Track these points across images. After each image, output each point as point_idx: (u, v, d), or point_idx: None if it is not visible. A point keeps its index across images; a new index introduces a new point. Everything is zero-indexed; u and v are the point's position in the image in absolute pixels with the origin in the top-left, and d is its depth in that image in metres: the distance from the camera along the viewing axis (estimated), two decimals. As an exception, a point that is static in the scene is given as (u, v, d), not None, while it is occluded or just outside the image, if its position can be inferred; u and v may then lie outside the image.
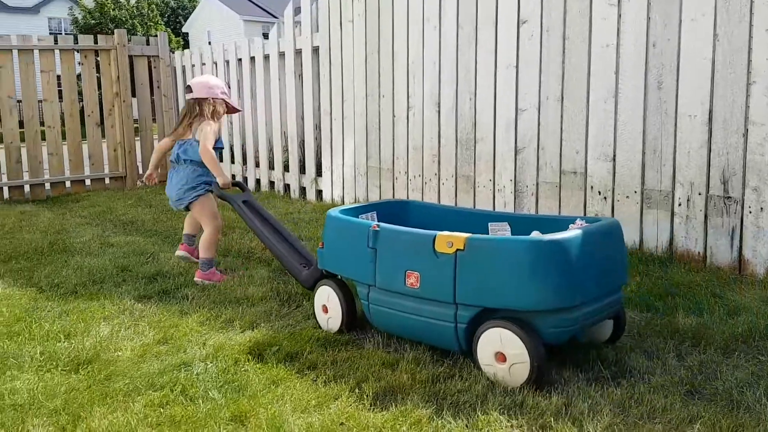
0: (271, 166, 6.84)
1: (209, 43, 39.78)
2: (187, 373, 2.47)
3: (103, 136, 7.86)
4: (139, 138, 8.13)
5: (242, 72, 7.06)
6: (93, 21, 29.41)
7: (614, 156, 3.90)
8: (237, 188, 3.90)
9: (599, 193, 3.98)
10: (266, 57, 6.65)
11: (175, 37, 34.65)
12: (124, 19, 29.30)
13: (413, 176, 5.18)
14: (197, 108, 3.77)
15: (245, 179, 7.22)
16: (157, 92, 8.17)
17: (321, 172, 6.18)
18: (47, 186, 7.46)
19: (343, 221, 2.82)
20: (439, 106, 4.88)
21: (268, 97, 6.71)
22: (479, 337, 2.32)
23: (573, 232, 2.31)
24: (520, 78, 4.32)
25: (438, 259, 2.38)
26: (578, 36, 4.00)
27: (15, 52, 7.23)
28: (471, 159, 4.69)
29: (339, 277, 2.90)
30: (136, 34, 13.16)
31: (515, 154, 4.39)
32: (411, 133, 5.15)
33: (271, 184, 6.87)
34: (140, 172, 8.03)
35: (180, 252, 4.09)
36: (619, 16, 3.80)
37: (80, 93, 8.55)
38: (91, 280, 3.74)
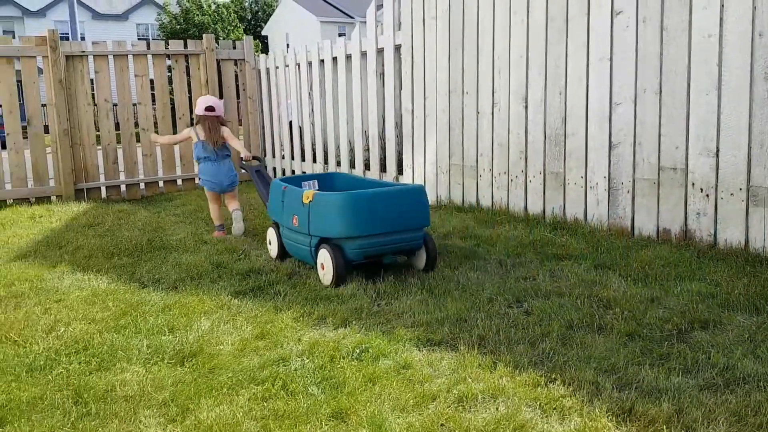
0: (352, 165, 6.90)
1: (287, 45, 40.72)
2: (285, 369, 2.52)
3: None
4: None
5: (324, 72, 7.16)
6: (178, 26, 30.68)
7: (717, 151, 3.69)
8: (255, 160, 5.38)
9: (701, 190, 3.78)
10: (348, 57, 6.72)
11: (254, 40, 35.60)
12: (207, 24, 30.39)
13: (498, 173, 5.09)
14: (219, 121, 5.18)
15: (327, 178, 7.32)
16: (242, 94, 8.41)
17: (402, 170, 6.18)
18: (142, 186, 7.83)
19: (275, 184, 4.08)
20: (526, 101, 4.78)
21: (349, 96, 6.77)
22: (317, 253, 3.61)
23: (365, 191, 3.62)
24: (615, 70, 4.17)
25: (303, 207, 3.67)
26: (677, 26, 3.81)
27: (111, 58, 7.62)
28: (560, 155, 4.56)
29: (275, 223, 4.13)
30: (218, 39, 13.57)
31: (609, 150, 4.24)
32: (496, 130, 5.07)
33: (353, 182, 6.94)
34: (226, 171, 8.30)
35: (220, 235, 5.07)
36: (722, 5, 3.59)
37: (171, 96, 8.91)
38: (189, 276, 3.88)
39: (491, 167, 5.15)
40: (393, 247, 3.64)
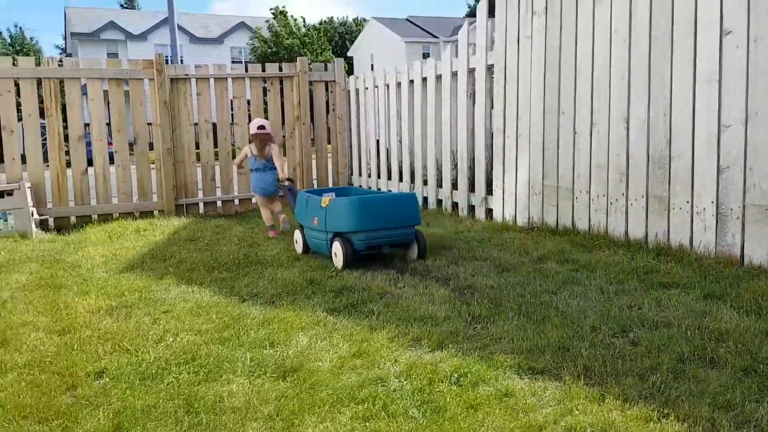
0: (439, 185, 6.90)
1: (372, 66, 41.46)
2: (384, 389, 2.52)
3: (285, 155, 8.43)
4: (315, 158, 8.64)
5: (413, 93, 7.22)
6: (269, 50, 31.90)
7: (843, 176, 3.43)
8: (288, 181, 6.05)
9: (824, 217, 3.52)
10: (438, 77, 6.75)
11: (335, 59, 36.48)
12: (296, 46, 31.43)
13: (596, 196, 4.94)
14: (269, 138, 6.16)
15: (414, 197, 7.35)
16: (332, 114, 8.62)
17: (492, 190, 6.11)
18: (236, 202, 8.13)
19: (301, 194, 5.12)
20: (627, 122, 4.62)
21: (438, 116, 6.79)
22: (332, 245, 4.56)
23: (366, 196, 4.82)
24: (723, 92, 3.97)
25: (321, 210, 4.66)
26: (797, 43, 3.59)
27: (212, 80, 7.99)
28: (665, 178, 4.38)
29: (301, 225, 5.08)
30: (311, 61, 14.09)
31: (717, 174, 4.03)
32: (594, 151, 4.93)
33: (439, 202, 6.93)
34: (316, 188, 8.50)
35: (274, 234, 5.99)
36: None
37: (265, 116, 9.23)
38: (285, 292, 3.97)
39: (589, 189, 5.01)
40: (389, 240, 4.64)
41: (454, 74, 6.46)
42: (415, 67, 7.14)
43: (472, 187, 6.38)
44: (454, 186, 6.64)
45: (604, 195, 4.87)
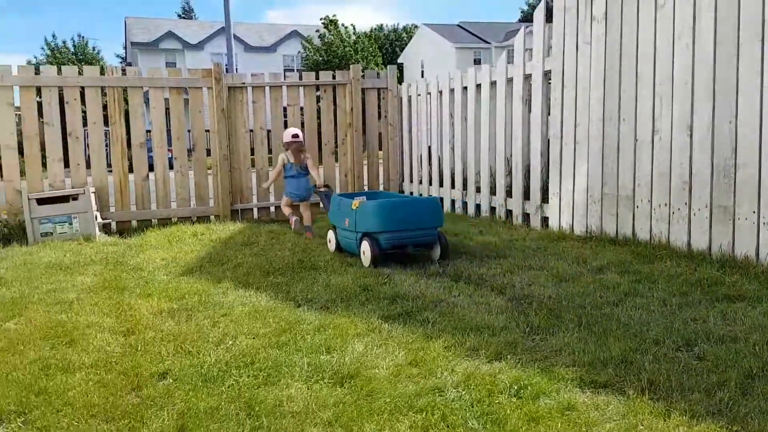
0: (493, 192, 6.83)
1: (422, 72, 41.48)
2: (442, 399, 2.50)
3: (336, 161, 8.52)
4: (366, 164, 8.69)
5: (467, 99, 7.18)
6: (320, 58, 32.30)
7: None
8: (326, 188, 6.50)
9: None
10: (492, 83, 6.70)
11: (386, 67, 36.80)
12: (347, 54, 31.72)
13: (658, 205, 4.81)
14: (302, 146, 6.82)
15: (464, 204, 7.30)
16: (383, 121, 8.66)
17: (548, 198, 6.02)
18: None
19: (334, 197, 5.52)
20: (691, 130, 4.48)
21: (492, 123, 6.74)
22: (361, 244, 4.87)
23: (390, 199, 5.22)
24: (796, 97, 3.80)
25: (352, 212, 5.00)
26: None
27: (267, 88, 8.15)
28: (730, 187, 4.22)
29: (333, 226, 5.46)
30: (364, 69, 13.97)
31: (788, 183, 3.86)
32: (656, 159, 4.80)
33: (492, 209, 6.86)
34: (367, 195, 8.55)
35: (310, 235, 6.35)
36: None
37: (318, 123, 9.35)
38: (339, 298, 3.99)
39: (650, 198, 4.87)
40: (413, 240, 4.94)
41: (510, 80, 6.40)
42: (469, 73, 7.11)
43: (527, 195, 6.30)
44: (508, 194, 6.56)
45: (666, 204, 4.73)
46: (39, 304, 4.02)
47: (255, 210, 8.10)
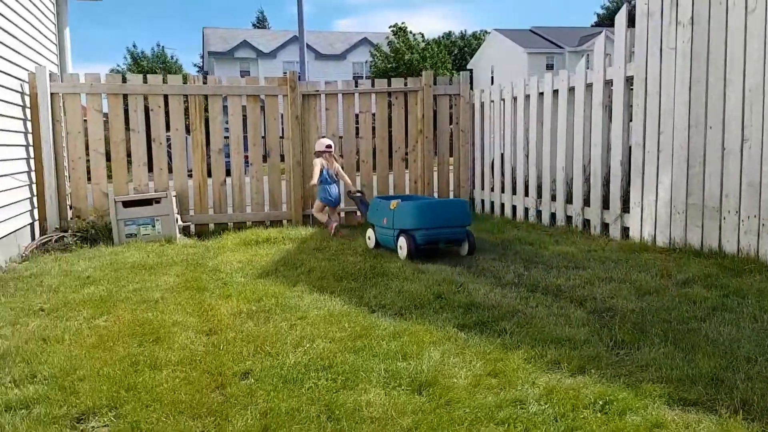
0: (569, 200, 6.67)
1: (491, 78, 41.07)
2: (524, 411, 2.45)
3: (407, 168, 8.53)
4: (436, 170, 8.65)
5: (543, 105, 7.05)
6: (388, 65, 32.52)
7: None
8: (358, 193, 7.20)
9: None
10: (570, 89, 6.55)
11: (458, 73, 36.73)
12: (416, 61, 31.80)
13: (746, 217, 4.56)
14: (334, 155, 7.26)
15: (539, 213, 7.16)
16: (455, 128, 8.60)
17: (628, 207, 5.82)
18: (358, 213, 8.29)
19: (374, 200, 6.16)
20: (787, 138, 4.24)
21: (569, 130, 6.58)
22: (398, 240, 5.47)
23: (423, 200, 5.90)
24: None
25: (390, 212, 5.59)
26: None
27: (340, 96, 8.25)
28: (831, 200, 3.96)
29: (372, 225, 6.04)
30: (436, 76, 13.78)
31: None
32: (745, 168, 4.57)
33: (568, 218, 6.69)
34: (437, 202, 8.51)
35: (335, 228, 6.87)
36: None
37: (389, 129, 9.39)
38: (413, 305, 3.98)
39: (738, 209, 4.64)
40: (444, 237, 5.52)
41: (589, 86, 6.24)
42: (545, 78, 6.98)
43: (606, 204, 6.11)
44: (586, 202, 6.39)
45: (755, 216, 4.49)
46: (126, 303, 4.20)
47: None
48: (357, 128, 8.42)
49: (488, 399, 2.58)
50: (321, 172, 7.11)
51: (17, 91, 6.61)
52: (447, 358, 3.03)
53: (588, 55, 6.71)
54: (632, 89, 5.77)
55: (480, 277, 4.66)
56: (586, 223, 6.39)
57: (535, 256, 5.25)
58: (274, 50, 40.77)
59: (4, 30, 6.18)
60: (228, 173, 7.83)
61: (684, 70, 5.11)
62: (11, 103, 6.39)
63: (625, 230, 5.85)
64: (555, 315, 3.66)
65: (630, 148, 5.82)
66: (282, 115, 8.15)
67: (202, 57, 49.14)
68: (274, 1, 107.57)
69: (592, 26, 49.93)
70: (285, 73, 8.09)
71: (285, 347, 3.23)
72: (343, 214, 8.25)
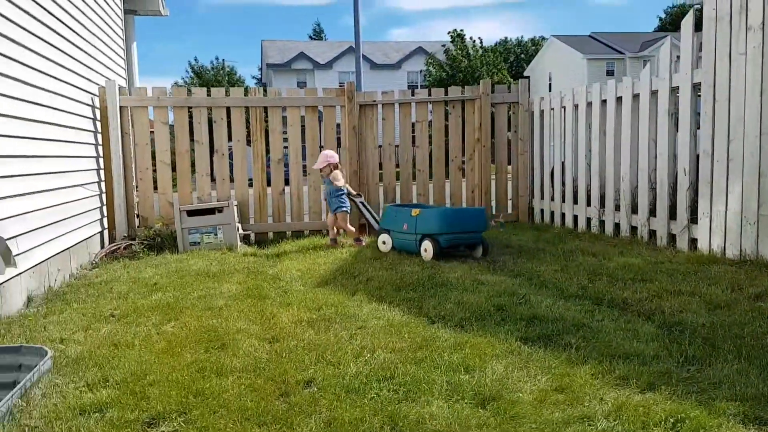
0: (634, 210, 6.48)
1: (549, 85, 40.48)
2: (592, 428, 2.39)
3: (463, 177, 8.48)
4: (494, 179, 8.57)
5: (605, 113, 6.90)
6: (444, 73, 32.47)
7: None
8: (359, 196, 7.48)
9: None
10: (635, 96, 6.39)
11: (514, 80, 36.30)
12: (473, 68, 31.64)
13: (828, 229, 4.33)
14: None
15: (602, 223, 6.98)
16: (513, 136, 8.50)
17: (696, 218, 5.61)
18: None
19: (390, 208, 6.63)
20: None
21: (633, 138, 6.41)
22: (421, 244, 5.95)
23: (446, 208, 7.58)
24: None
25: (412, 218, 6.09)
26: None
27: (396, 105, 8.29)
28: None
29: (387, 230, 6.44)
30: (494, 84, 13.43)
31: None
32: (826, 178, 4.34)
33: (633, 229, 6.50)
34: (494, 212, 8.42)
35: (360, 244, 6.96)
36: None
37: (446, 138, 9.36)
38: (474, 316, 3.93)
39: (818, 221, 4.41)
40: (463, 241, 6.04)
41: (654, 93, 6.07)
42: (608, 86, 6.82)
43: (672, 214, 5.91)
44: (651, 212, 6.19)
45: (839, 227, 4.25)
46: (192, 309, 4.31)
47: (383, 224, 8.22)
48: (413, 137, 8.43)
49: (555, 415, 2.52)
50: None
51: (88, 105, 6.91)
52: (511, 372, 2.98)
53: (651, 61, 6.56)
54: (699, 96, 5.58)
55: (542, 289, 4.58)
56: (652, 233, 6.20)
57: (599, 268, 5.11)
58: (329, 61, 41.35)
59: (77, 47, 6.49)
60: (287, 182, 7.97)
61: (754, 76, 4.91)
62: (82, 116, 6.68)
63: (693, 241, 5.64)
64: (622, 329, 3.55)
65: (697, 156, 5.62)
66: (339, 125, 8.25)
67: (260, 69, 50.28)
68: (329, 12, 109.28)
69: (654, 31, 48.58)
70: (341, 83, 8.21)
71: (346, 356, 3.25)
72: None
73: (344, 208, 7.07)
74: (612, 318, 3.78)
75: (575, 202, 7.52)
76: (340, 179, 7.15)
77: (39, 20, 5.33)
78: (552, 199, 8.07)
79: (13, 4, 4.77)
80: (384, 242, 6.45)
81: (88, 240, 6.57)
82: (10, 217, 4.50)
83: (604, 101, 6.91)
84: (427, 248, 5.92)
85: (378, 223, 7.05)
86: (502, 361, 3.14)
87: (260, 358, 3.28)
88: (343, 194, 7.11)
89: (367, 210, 7.22)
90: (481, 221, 6.08)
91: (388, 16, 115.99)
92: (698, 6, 6.69)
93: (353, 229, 7.18)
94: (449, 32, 34.69)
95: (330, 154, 7.17)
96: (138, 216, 7.61)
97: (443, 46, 34.73)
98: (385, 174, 8.35)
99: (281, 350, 3.38)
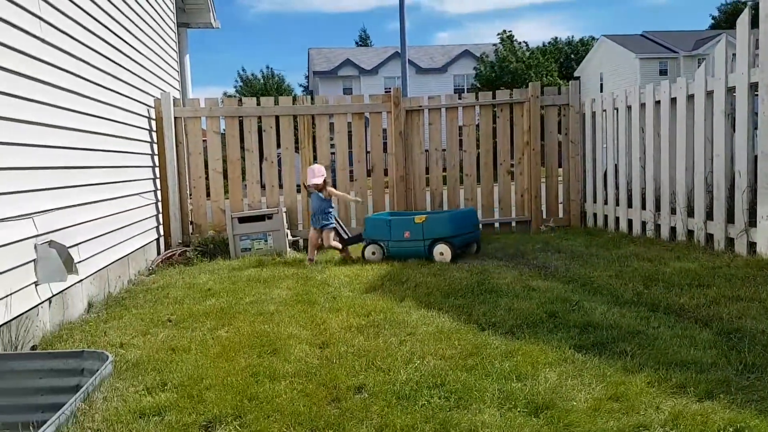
0: (690, 213, 6.29)
1: (600, 85, 39.69)
2: (649, 439, 2.33)
3: (512, 180, 8.39)
4: (544, 183, 8.45)
5: (659, 114, 6.72)
6: (493, 75, 32.23)
7: None
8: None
9: None
10: (689, 97, 6.21)
11: (564, 82, 35.76)
12: (521, 70, 31.30)
13: None
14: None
15: (657, 227, 6.80)
16: (564, 139, 8.37)
17: (755, 222, 5.41)
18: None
19: (377, 219, 6.71)
20: None
21: (689, 139, 6.23)
22: (433, 249, 6.22)
23: (454, 211, 7.23)
24: None
25: (416, 225, 6.32)
26: None
27: (443, 110, 8.28)
28: None
29: (375, 241, 6.55)
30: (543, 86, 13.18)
31: None
32: None
33: (689, 233, 6.31)
34: (544, 216, 8.30)
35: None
36: None
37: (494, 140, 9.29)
38: (525, 323, 3.89)
39: None
40: (469, 240, 6.51)
41: (710, 93, 5.88)
42: (661, 86, 6.65)
43: (730, 218, 5.71)
44: (708, 216, 6.00)
45: None
46: (244, 315, 4.40)
47: (431, 230, 8.21)
48: (460, 141, 8.40)
49: (610, 423, 2.47)
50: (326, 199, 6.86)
51: (144, 116, 7.15)
52: (564, 380, 2.94)
53: (705, 59, 6.35)
54: (757, 96, 5.38)
55: (596, 295, 4.49)
56: (709, 237, 6.00)
57: (654, 273, 4.98)
58: (375, 67, 41.54)
59: (135, 61, 6.72)
60: (334, 188, 8.04)
61: (821, 71, 4.70)
62: (139, 127, 6.91)
63: (752, 245, 5.43)
64: (679, 336, 3.46)
65: (755, 158, 5.41)
66: (385, 130, 8.29)
67: (307, 77, 50.95)
68: (375, 17, 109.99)
69: (708, 29, 47.08)
70: (387, 89, 8.34)
71: (396, 363, 3.26)
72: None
73: (332, 225, 6.86)
74: (668, 325, 3.68)
75: (629, 205, 7.34)
76: (335, 192, 7.02)
77: (101, 38, 5.54)
78: (605, 202, 7.90)
79: (80, 25, 4.98)
80: (374, 252, 6.53)
81: (146, 247, 6.78)
82: (73, 226, 4.69)
83: (658, 102, 6.74)
84: (443, 252, 6.18)
85: (348, 234, 7.02)
86: (555, 369, 3.09)
87: (311, 363, 3.33)
88: (332, 210, 6.91)
89: (338, 223, 7.02)
90: (476, 221, 6.73)
91: (434, 20, 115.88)
92: (753, 2, 6.46)
93: (339, 244, 6.88)
94: (498, 33, 34.49)
95: (321, 168, 6.94)
96: (192, 223, 7.82)
97: (494, 45, 34.47)
98: (432, 179, 8.34)
99: (332, 356, 3.41)
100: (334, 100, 8.32)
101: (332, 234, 6.86)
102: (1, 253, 3.60)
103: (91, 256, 5.03)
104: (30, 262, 3.97)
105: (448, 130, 8.34)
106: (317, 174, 6.80)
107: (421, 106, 8.23)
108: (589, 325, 3.77)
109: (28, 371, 3.22)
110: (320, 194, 6.82)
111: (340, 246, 6.87)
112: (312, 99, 8.32)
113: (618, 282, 4.81)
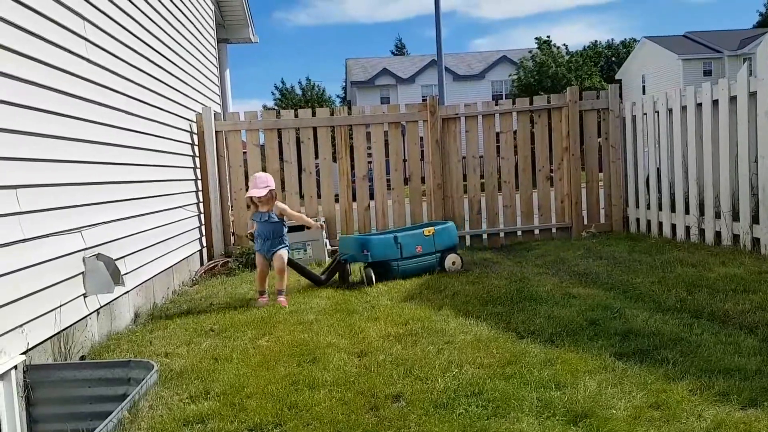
0: (735, 217, 6.12)
1: (642, 87, 38.94)
2: (691, 449, 2.29)
3: (552, 187, 8.30)
4: (585, 188, 8.34)
5: (701, 116, 6.58)
6: (532, 80, 31.95)
7: None
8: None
9: None
10: (732, 99, 6.06)
11: (605, 84, 35.15)
12: (561, 74, 30.94)
13: None
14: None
15: (701, 231, 6.64)
16: (604, 143, 8.24)
17: (805, 225, 5.24)
18: (501, 234, 8.21)
19: (385, 238, 6.12)
20: None
21: (732, 141, 6.08)
22: (444, 259, 6.20)
23: (450, 222, 6.61)
24: None
25: (426, 238, 6.16)
26: None
27: (480, 117, 8.26)
28: None
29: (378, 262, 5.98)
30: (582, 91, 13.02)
31: None
32: None
33: (735, 237, 6.14)
34: (585, 222, 8.19)
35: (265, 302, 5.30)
36: None
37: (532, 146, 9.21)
38: (565, 331, 3.85)
39: None
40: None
41: (753, 95, 5.74)
42: (703, 89, 6.51)
43: (777, 221, 5.55)
44: (754, 219, 5.84)
45: None
46: (284, 324, 4.47)
47: (467, 237, 8.19)
48: (498, 147, 8.36)
49: (650, 432, 2.44)
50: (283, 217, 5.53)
51: (186, 131, 7.34)
52: (604, 388, 2.90)
53: (752, 58, 6.22)
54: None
55: (638, 302, 4.41)
56: (755, 242, 5.83)
57: (698, 279, 4.87)
58: (412, 75, 41.67)
59: (178, 78, 6.92)
60: (371, 197, 8.11)
61: None
62: (182, 141, 7.10)
63: (802, 249, 5.27)
64: (722, 343, 3.38)
65: (806, 158, 5.25)
66: (422, 139, 8.31)
67: (344, 87, 51.43)
68: (411, 26, 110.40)
69: (754, 27, 45.72)
70: (424, 97, 8.30)
71: (433, 371, 3.27)
72: (485, 236, 8.19)
73: (288, 248, 5.56)
74: (712, 331, 3.60)
75: (672, 210, 7.18)
76: (288, 211, 5.58)
77: (147, 58, 5.74)
78: (648, 207, 7.75)
79: (127, 46, 5.17)
80: (365, 276, 5.82)
81: (189, 258, 6.95)
82: (120, 239, 4.85)
83: (700, 105, 6.60)
84: (455, 261, 6.23)
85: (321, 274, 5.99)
86: (595, 377, 3.06)
87: (350, 372, 3.36)
88: (286, 230, 5.58)
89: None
90: (454, 235, 6.46)
91: (470, 27, 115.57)
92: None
93: (287, 278, 5.44)
94: (536, 38, 34.19)
95: (268, 177, 5.46)
96: (233, 234, 7.97)
97: (530, 51, 34.20)
98: (470, 186, 8.32)
99: (370, 364, 3.44)
100: (371, 111, 8.40)
101: (286, 255, 5.44)
102: (51, 267, 3.75)
103: (137, 268, 5.18)
104: (78, 274, 4.12)
105: (485, 137, 8.31)
106: (259, 184, 5.32)
107: (457, 114, 8.23)
108: (631, 332, 3.71)
109: (77, 380, 3.35)
110: (270, 213, 5.38)
111: (287, 279, 5.42)
112: (349, 109, 8.41)
113: (661, 288, 4.72)
